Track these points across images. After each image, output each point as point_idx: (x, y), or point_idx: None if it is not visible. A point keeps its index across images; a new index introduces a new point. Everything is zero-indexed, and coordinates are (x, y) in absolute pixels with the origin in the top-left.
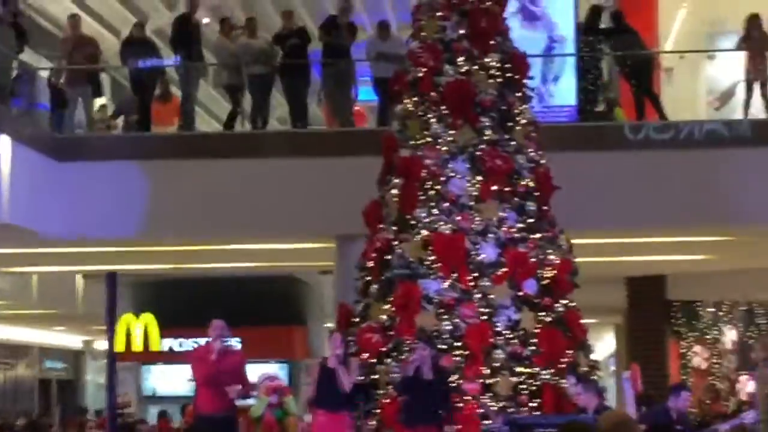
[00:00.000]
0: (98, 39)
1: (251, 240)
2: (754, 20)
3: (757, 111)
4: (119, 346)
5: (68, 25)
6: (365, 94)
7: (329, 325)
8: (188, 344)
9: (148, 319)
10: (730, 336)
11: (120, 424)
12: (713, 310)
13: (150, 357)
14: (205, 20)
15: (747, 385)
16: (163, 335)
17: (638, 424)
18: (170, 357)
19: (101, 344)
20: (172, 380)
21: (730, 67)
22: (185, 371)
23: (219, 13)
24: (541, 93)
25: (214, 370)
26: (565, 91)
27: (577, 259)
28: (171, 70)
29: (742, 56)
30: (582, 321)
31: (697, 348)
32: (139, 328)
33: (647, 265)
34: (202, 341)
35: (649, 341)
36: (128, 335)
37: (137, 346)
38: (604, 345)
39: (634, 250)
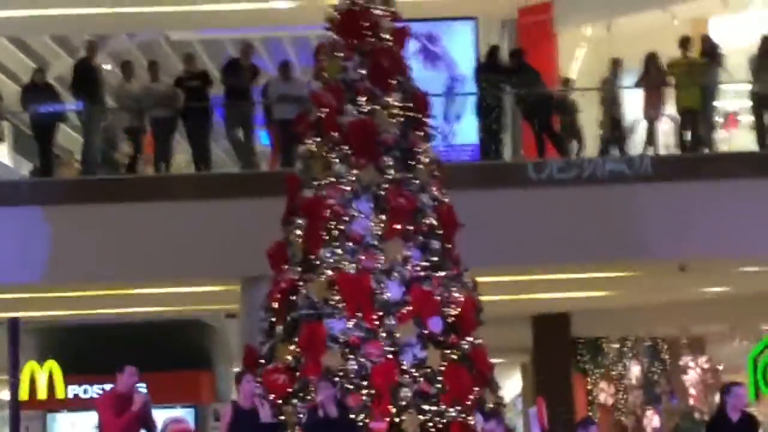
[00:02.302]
0: None
1: (156, 284)
2: (652, 58)
3: (658, 147)
4: (23, 395)
5: None
6: (266, 139)
7: (236, 369)
8: (93, 390)
9: (52, 365)
10: (635, 371)
11: None
12: (618, 346)
13: (55, 404)
14: (107, 66)
15: (653, 420)
16: (67, 382)
17: None
18: (76, 404)
19: (5, 394)
20: (78, 427)
21: (629, 105)
22: (91, 418)
23: (120, 59)
24: (444, 132)
25: (129, 419)
26: (467, 130)
27: (483, 298)
28: (72, 115)
29: (641, 95)
30: (488, 358)
31: (602, 384)
32: (43, 375)
33: (552, 302)
34: (108, 387)
35: (556, 378)
36: (32, 383)
37: (42, 393)
38: (511, 384)
39: (539, 288)
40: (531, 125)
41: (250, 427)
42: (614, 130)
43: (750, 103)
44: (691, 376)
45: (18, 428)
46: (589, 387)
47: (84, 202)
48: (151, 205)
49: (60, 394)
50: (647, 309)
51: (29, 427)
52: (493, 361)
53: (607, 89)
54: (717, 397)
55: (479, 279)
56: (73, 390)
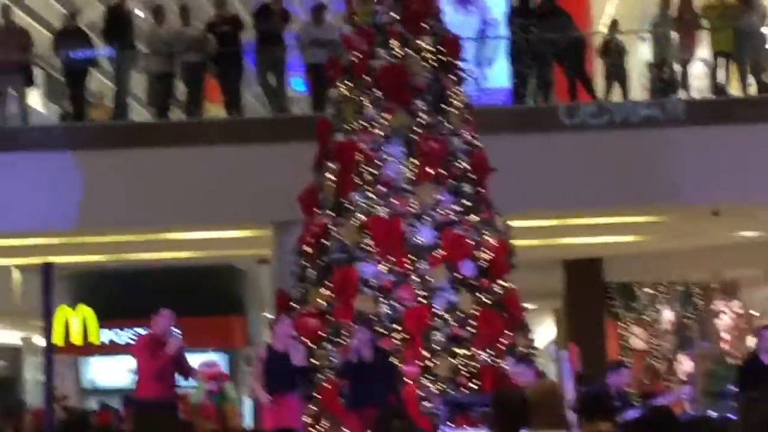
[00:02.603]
0: (30, 31)
1: (188, 228)
2: (685, 1)
3: (690, 91)
4: (57, 339)
5: None
6: (296, 85)
7: (268, 314)
8: (126, 335)
9: (86, 311)
10: (667, 316)
11: (65, 418)
12: (650, 291)
13: (89, 349)
14: (139, 13)
15: (685, 364)
16: (101, 327)
17: (564, 395)
18: (109, 348)
19: (40, 340)
20: (112, 372)
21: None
22: (124, 362)
23: (151, 4)
24: (476, 76)
25: (165, 361)
26: (499, 75)
27: (515, 242)
28: (104, 61)
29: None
30: (520, 302)
31: (635, 329)
32: (76, 320)
33: (584, 247)
34: (141, 331)
35: (588, 323)
36: (66, 328)
37: (76, 338)
38: (543, 331)
39: (571, 232)
40: (563, 69)
41: (282, 369)
42: (667, 72)
43: None
44: (724, 321)
45: (52, 373)
46: (621, 332)
47: (116, 146)
48: (183, 150)
49: (93, 338)
50: (680, 254)
51: (63, 371)
52: (526, 306)
53: (658, 30)
54: (749, 341)
55: (511, 223)
56: (107, 335)
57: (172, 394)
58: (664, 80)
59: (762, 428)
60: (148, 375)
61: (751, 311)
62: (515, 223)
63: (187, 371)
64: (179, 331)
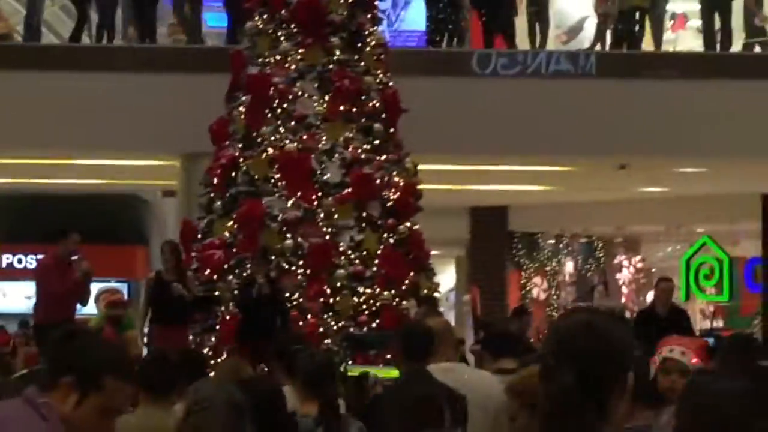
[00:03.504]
0: None
1: (95, 155)
2: None
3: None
4: None
5: None
6: (213, 20)
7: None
8: (27, 261)
9: None
10: (569, 268)
11: None
12: (553, 241)
13: None
14: None
15: None
16: (1, 251)
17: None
18: (9, 273)
19: None
20: (11, 297)
21: (579, 0)
22: (23, 288)
23: None
24: (392, 17)
25: (71, 284)
26: (415, 17)
27: (422, 187)
28: None
29: None
30: (425, 245)
31: (536, 279)
32: None
33: (490, 194)
34: (41, 257)
35: (491, 272)
36: None
37: None
38: (445, 278)
39: (478, 179)
40: (479, 15)
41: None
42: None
43: (698, 6)
44: (625, 275)
45: None
46: (523, 281)
47: (26, 68)
48: (93, 75)
49: None
50: (585, 206)
51: None
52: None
53: None
54: (648, 296)
55: (420, 167)
56: (7, 259)
57: (72, 319)
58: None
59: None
60: (51, 298)
61: (652, 269)
62: (424, 167)
63: (86, 298)
64: (83, 258)
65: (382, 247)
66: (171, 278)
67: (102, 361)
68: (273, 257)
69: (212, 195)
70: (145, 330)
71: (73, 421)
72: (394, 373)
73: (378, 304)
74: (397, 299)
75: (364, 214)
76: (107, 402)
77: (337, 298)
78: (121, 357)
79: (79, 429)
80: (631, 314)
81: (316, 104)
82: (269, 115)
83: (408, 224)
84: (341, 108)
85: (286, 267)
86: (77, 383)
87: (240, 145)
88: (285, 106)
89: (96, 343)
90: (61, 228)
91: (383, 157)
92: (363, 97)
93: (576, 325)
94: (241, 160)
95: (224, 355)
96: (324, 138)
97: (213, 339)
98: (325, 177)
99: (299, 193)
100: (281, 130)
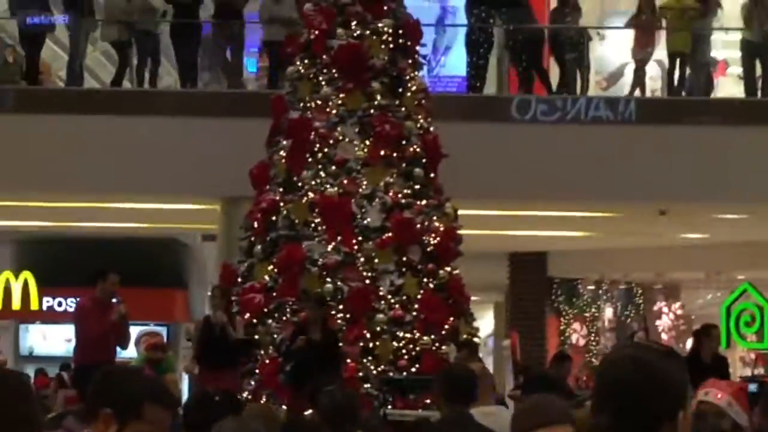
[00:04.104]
0: None
1: (136, 199)
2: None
3: (645, 91)
4: None
5: None
6: (254, 66)
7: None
8: (67, 303)
9: (27, 276)
10: (608, 314)
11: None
12: (593, 287)
13: (28, 315)
14: None
15: None
16: (42, 294)
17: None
18: (49, 316)
19: None
20: (50, 340)
21: (619, 47)
22: (64, 331)
23: None
24: (433, 63)
25: (107, 326)
26: (455, 62)
27: (462, 231)
28: (61, 27)
29: (631, 37)
30: (464, 289)
31: (575, 325)
32: (17, 285)
33: (529, 240)
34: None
35: (530, 317)
36: (7, 293)
37: (15, 304)
38: (483, 324)
39: (518, 224)
40: (519, 60)
41: (220, 341)
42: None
43: (740, 53)
44: (664, 322)
45: None
46: (562, 327)
47: (67, 112)
48: (135, 119)
49: (34, 305)
50: (624, 252)
51: (1, 336)
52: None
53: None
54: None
55: (459, 213)
56: (47, 302)
57: (112, 361)
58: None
59: None
60: (89, 340)
61: (692, 316)
62: (464, 212)
63: (125, 341)
64: (122, 300)
65: (422, 291)
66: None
67: (140, 390)
68: (328, 301)
69: (252, 239)
70: (195, 372)
71: None
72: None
73: (417, 348)
74: (436, 344)
75: (404, 259)
76: (147, 428)
77: (377, 343)
78: (159, 385)
79: None
80: None
81: (356, 149)
82: (310, 160)
83: (448, 269)
84: (382, 153)
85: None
86: (116, 413)
87: (280, 189)
88: (325, 150)
89: (133, 375)
90: (100, 269)
91: (423, 202)
92: (403, 142)
93: (620, 360)
94: (281, 204)
95: (263, 399)
96: (364, 182)
97: (252, 383)
98: (365, 221)
99: (339, 238)
100: (322, 174)
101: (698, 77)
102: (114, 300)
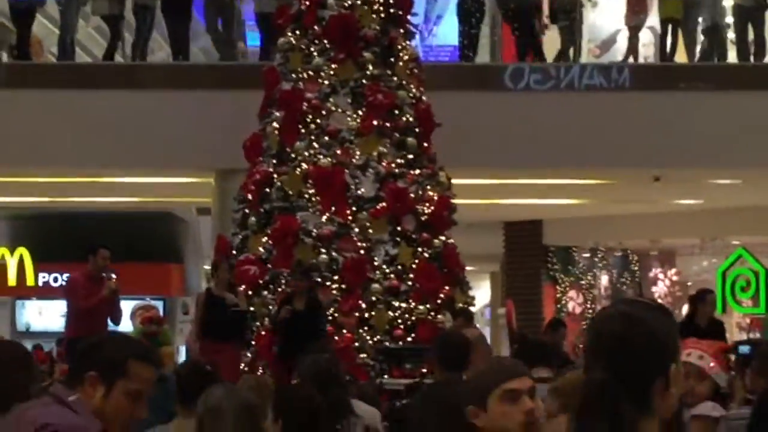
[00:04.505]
0: None
1: (129, 173)
2: None
3: (638, 57)
4: None
5: None
6: (253, 39)
7: (206, 267)
8: (63, 279)
9: (23, 252)
10: (604, 281)
11: None
12: (588, 255)
13: (24, 291)
14: None
15: None
16: (37, 270)
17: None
18: (45, 292)
19: None
20: (46, 316)
21: (612, 14)
22: (60, 306)
23: None
24: (424, 32)
25: (98, 301)
26: (447, 32)
27: (457, 201)
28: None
29: (624, 4)
30: (459, 258)
31: (571, 293)
32: (13, 262)
33: (524, 209)
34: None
35: (526, 286)
36: (2, 270)
37: (11, 280)
38: (480, 294)
39: (512, 193)
40: (511, 29)
41: (221, 314)
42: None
43: (732, 18)
44: (660, 288)
45: None
46: (558, 295)
47: (60, 87)
48: (127, 93)
49: (30, 281)
50: (619, 219)
51: None
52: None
53: None
54: (683, 309)
55: (453, 182)
56: (43, 278)
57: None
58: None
59: None
60: (80, 314)
61: (688, 283)
62: (458, 182)
63: (118, 316)
64: (115, 275)
65: (416, 261)
66: (222, 293)
67: (122, 349)
68: (314, 271)
69: (247, 211)
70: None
71: (104, 412)
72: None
73: (413, 318)
74: (432, 313)
75: (399, 229)
76: (134, 385)
77: (373, 313)
78: (141, 344)
79: (112, 418)
80: None
81: (349, 119)
82: (302, 131)
83: (442, 238)
84: (374, 123)
85: (321, 282)
86: (102, 375)
87: (274, 161)
88: (318, 121)
89: (115, 338)
90: (91, 244)
91: (417, 172)
92: (396, 112)
93: (612, 316)
94: (275, 175)
95: (260, 371)
96: (357, 153)
97: (248, 354)
98: (359, 192)
99: (333, 208)
100: (315, 145)
101: (711, 43)
102: (104, 275)
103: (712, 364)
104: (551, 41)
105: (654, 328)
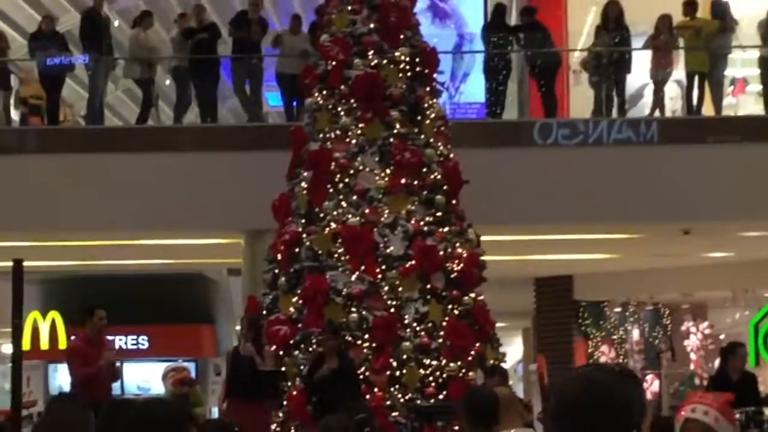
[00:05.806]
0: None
1: (160, 235)
2: (664, 20)
3: (664, 111)
4: (26, 345)
5: None
6: (274, 100)
7: (237, 327)
8: None
9: (55, 316)
10: (635, 336)
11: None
12: (619, 309)
13: (57, 355)
14: (115, 23)
15: (653, 384)
16: (70, 333)
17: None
18: None
19: (7, 347)
20: None
21: (639, 69)
22: None
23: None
24: (451, 89)
25: (94, 370)
26: (474, 89)
27: (486, 258)
28: (80, 66)
29: (649, 58)
30: (489, 315)
31: (603, 347)
32: (45, 326)
33: (555, 264)
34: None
35: (557, 341)
36: (35, 333)
37: (44, 344)
38: (512, 350)
39: (542, 249)
40: (538, 85)
41: (248, 373)
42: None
43: (758, 70)
44: (692, 341)
45: (20, 377)
46: (590, 350)
47: (89, 151)
48: (157, 155)
49: (62, 344)
50: (650, 273)
51: (31, 376)
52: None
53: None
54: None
55: (483, 239)
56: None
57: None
58: None
59: None
60: (82, 380)
61: (720, 336)
62: (487, 238)
63: (116, 378)
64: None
65: (447, 318)
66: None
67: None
68: (342, 332)
69: (276, 271)
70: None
71: None
72: None
73: (444, 375)
74: (463, 370)
75: (429, 286)
76: None
77: (404, 371)
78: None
79: None
80: (701, 380)
81: (377, 178)
82: (331, 190)
83: (472, 295)
84: (402, 181)
85: (352, 341)
86: None
87: (303, 221)
88: (346, 180)
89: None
90: (127, 310)
91: (446, 229)
92: (424, 170)
93: (573, 379)
94: (304, 235)
95: (292, 431)
96: (386, 211)
97: (280, 415)
98: (388, 250)
99: (363, 267)
100: (343, 204)
101: (715, 95)
102: (107, 344)
103: (718, 418)
104: (581, 95)
105: (611, 392)
